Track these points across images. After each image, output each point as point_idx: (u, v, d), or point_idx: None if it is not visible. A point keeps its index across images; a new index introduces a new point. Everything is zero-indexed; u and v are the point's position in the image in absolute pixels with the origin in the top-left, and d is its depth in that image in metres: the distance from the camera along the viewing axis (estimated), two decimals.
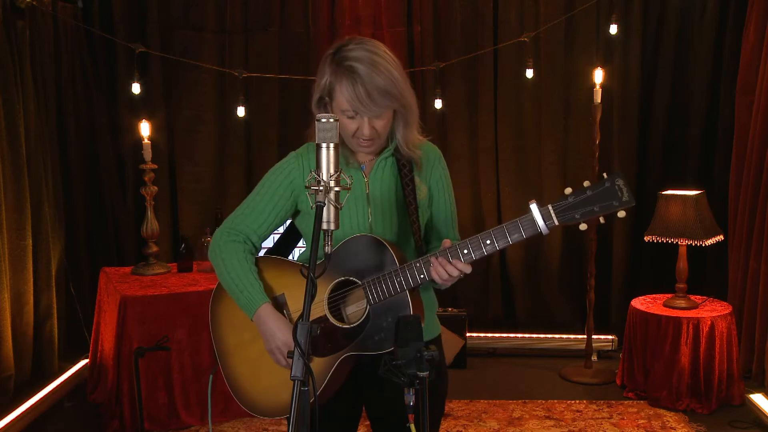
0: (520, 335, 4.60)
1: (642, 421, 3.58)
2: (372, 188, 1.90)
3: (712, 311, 3.74)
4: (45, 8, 4.03)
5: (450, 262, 1.73)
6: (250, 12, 4.68)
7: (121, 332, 3.43)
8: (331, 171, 1.52)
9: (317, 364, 1.82)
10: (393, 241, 1.87)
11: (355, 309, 1.84)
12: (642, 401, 3.81)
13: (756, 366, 3.92)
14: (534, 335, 4.59)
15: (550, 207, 1.67)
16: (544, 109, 4.66)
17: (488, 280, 4.82)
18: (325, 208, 1.51)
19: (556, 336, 4.56)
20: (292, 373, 1.42)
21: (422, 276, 1.75)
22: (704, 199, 3.78)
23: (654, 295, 4.05)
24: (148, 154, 3.89)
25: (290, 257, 2.11)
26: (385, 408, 1.96)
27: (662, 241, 3.80)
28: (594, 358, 4.32)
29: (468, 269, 1.74)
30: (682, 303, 3.80)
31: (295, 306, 1.88)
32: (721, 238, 3.81)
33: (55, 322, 4.03)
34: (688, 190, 3.80)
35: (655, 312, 3.77)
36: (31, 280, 3.84)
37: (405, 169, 1.90)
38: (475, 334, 4.55)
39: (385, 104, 1.79)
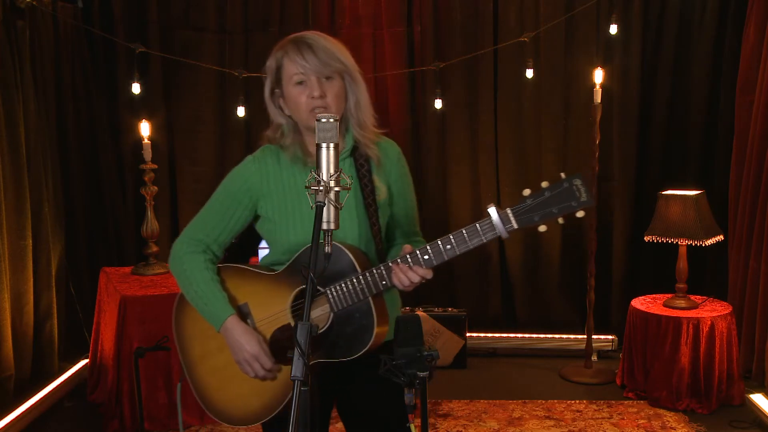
0: (520, 335, 4.60)
1: (642, 421, 3.58)
2: None
3: (712, 311, 3.74)
4: (45, 8, 4.03)
5: (411, 268, 1.73)
6: (250, 12, 4.68)
7: (121, 332, 3.43)
8: (331, 171, 1.52)
9: (285, 372, 1.83)
10: (354, 245, 1.86)
11: (320, 313, 1.83)
12: (642, 401, 3.81)
13: (756, 366, 3.92)
14: (534, 335, 4.58)
15: (509, 210, 1.68)
16: (544, 109, 4.66)
17: (488, 280, 4.82)
18: (325, 208, 1.51)
19: (556, 336, 4.56)
20: (293, 373, 1.42)
21: (384, 282, 1.75)
22: (704, 199, 3.78)
23: (654, 295, 4.05)
24: (148, 154, 3.90)
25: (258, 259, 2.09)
26: (357, 409, 1.97)
27: (662, 241, 3.80)
28: (594, 358, 4.32)
29: (429, 274, 1.74)
30: (682, 303, 3.81)
31: (259, 315, 1.88)
32: (721, 238, 3.81)
33: (55, 322, 4.03)
34: (688, 190, 3.80)
35: (655, 312, 3.77)
36: (31, 280, 3.84)
37: (363, 169, 1.89)
38: (475, 334, 4.55)
39: (333, 65, 1.81)
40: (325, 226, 1.51)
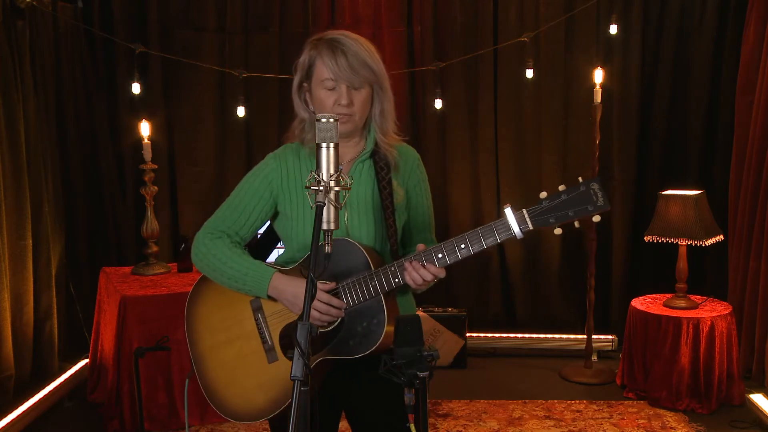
0: (520, 335, 4.60)
1: (642, 421, 3.58)
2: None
3: (712, 311, 3.74)
4: (45, 8, 4.03)
5: (424, 266, 1.73)
6: (250, 12, 4.68)
7: (121, 332, 3.43)
8: (331, 171, 1.52)
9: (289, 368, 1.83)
10: (370, 245, 1.86)
11: None
12: (642, 401, 3.81)
13: (756, 366, 3.92)
14: (534, 335, 4.58)
15: (524, 211, 1.68)
16: (544, 109, 4.66)
17: (488, 280, 4.82)
18: (325, 208, 1.51)
19: (556, 336, 4.56)
20: (292, 373, 1.42)
21: (396, 280, 1.75)
22: (704, 199, 3.78)
23: (654, 295, 4.05)
24: (148, 154, 3.90)
25: (269, 259, 2.10)
26: (364, 408, 1.96)
27: (662, 241, 3.80)
28: (594, 358, 4.32)
29: (442, 273, 1.74)
30: (682, 303, 3.81)
31: (270, 309, 1.87)
32: (721, 238, 3.81)
33: (55, 322, 4.03)
34: (688, 190, 3.80)
35: (655, 312, 3.77)
36: (31, 280, 3.84)
37: (383, 171, 1.90)
38: (475, 334, 4.55)
39: (364, 75, 1.82)
40: (324, 226, 1.52)
